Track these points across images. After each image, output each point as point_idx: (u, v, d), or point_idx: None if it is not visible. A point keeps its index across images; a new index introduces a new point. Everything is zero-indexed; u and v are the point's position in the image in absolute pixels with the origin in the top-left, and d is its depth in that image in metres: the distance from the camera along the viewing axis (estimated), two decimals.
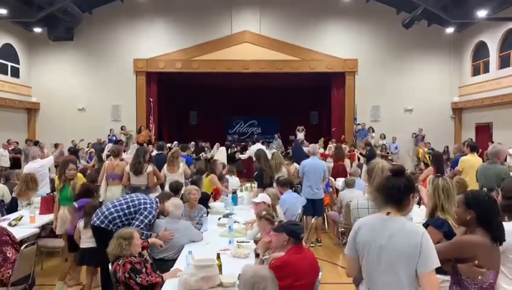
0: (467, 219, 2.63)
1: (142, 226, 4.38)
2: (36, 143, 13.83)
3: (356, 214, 3.29)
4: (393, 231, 2.32)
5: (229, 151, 16.41)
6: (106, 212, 4.48)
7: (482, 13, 14.48)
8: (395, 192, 2.38)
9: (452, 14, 15.38)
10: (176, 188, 5.88)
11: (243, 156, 14.54)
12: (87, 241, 4.77)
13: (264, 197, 4.96)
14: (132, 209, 4.48)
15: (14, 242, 4.30)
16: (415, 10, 15.71)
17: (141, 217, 4.43)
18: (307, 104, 20.71)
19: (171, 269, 3.81)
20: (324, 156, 12.28)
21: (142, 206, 4.50)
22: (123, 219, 4.44)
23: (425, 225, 2.99)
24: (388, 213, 2.38)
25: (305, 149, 10.16)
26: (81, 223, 4.87)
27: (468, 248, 2.53)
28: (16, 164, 13.37)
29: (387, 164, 3.28)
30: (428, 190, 3.26)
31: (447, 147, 16.24)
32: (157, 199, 4.78)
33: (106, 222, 4.43)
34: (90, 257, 4.79)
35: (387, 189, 2.41)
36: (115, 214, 4.45)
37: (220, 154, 13.22)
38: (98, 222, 4.46)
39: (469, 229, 2.65)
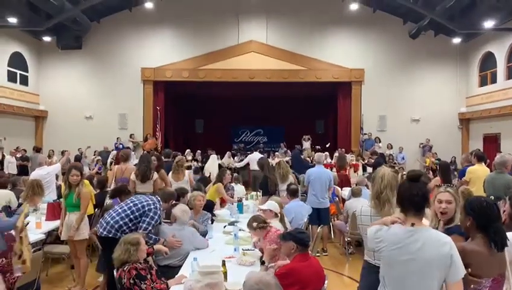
0: (467, 225, 2.63)
1: (150, 228, 4.35)
2: (38, 150, 13.90)
3: (359, 221, 3.27)
4: (422, 243, 2.31)
5: (235, 160, 16.41)
6: (111, 221, 4.40)
7: (489, 24, 14.48)
8: (417, 199, 2.38)
9: (459, 25, 15.39)
10: (180, 194, 5.87)
11: (239, 164, 14.56)
12: None
13: (271, 205, 4.93)
14: (137, 214, 4.42)
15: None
16: (421, 20, 15.75)
17: (147, 219, 4.38)
18: (312, 113, 20.73)
19: (176, 276, 3.79)
20: (326, 166, 12.24)
21: (147, 208, 4.44)
22: (130, 224, 4.39)
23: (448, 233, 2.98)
24: (412, 224, 2.36)
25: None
26: None
27: (461, 256, 2.48)
28: (23, 171, 13.41)
29: (389, 170, 3.27)
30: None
31: (454, 157, 16.14)
32: (158, 198, 4.70)
33: (113, 231, 4.35)
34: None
35: (408, 196, 2.39)
36: (121, 222, 4.38)
37: (210, 162, 12.96)
38: (105, 233, 4.37)
39: (470, 235, 2.64)
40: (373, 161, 12.80)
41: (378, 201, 3.17)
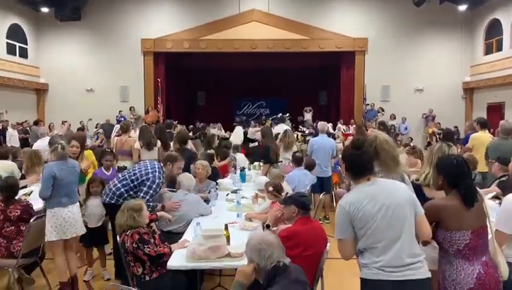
0: (439, 183, 2.70)
1: (147, 197, 4.39)
2: (36, 123, 13.95)
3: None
4: (387, 189, 2.49)
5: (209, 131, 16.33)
6: (113, 189, 4.54)
7: None
8: (367, 164, 2.55)
9: None
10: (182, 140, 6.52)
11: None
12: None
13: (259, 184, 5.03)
14: (136, 183, 4.50)
15: (31, 218, 4.34)
16: None
17: (145, 189, 4.43)
18: (315, 84, 20.54)
19: (179, 241, 3.82)
20: (346, 136, 12.21)
21: (145, 177, 4.48)
22: (130, 192, 4.50)
23: None
24: (368, 179, 2.51)
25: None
26: None
27: (433, 212, 2.59)
28: (25, 144, 13.44)
29: (387, 136, 3.24)
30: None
31: (457, 127, 16.05)
32: (160, 164, 4.77)
33: (115, 197, 4.50)
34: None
35: (358, 163, 2.55)
36: (122, 189, 4.51)
37: (235, 135, 13.06)
38: (107, 199, 4.54)
39: (446, 193, 2.70)
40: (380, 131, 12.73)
41: (394, 162, 3.15)
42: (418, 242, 2.52)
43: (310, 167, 6.90)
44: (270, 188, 4.57)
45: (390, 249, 2.39)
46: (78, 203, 4.61)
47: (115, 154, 6.49)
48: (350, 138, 11.85)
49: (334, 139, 9.87)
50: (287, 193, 3.87)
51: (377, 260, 2.41)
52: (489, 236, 2.69)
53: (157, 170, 4.56)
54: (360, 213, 2.42)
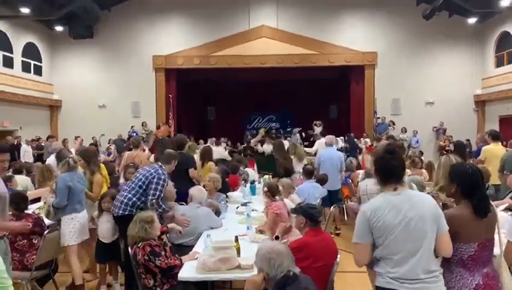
0: (451, 191, 2.65)
1: (158, 193, 4.50)
2: (48, 138, 14.28)
3: (366, 200, 3.26)
4: (412, 201, 2.41)
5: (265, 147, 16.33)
6: (125, 200, 4.53)
7: (505, 2, 14.14)
8: (396, 169, 2.48)
9: (474, 4, 15.07)
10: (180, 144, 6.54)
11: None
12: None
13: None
14: (144, 186, 4.58)
15: (43, 232, 4.40)
16: (435, 1, 15.42)
17: (153, 187, 4.53)
18: (325, 98, 20.57)
19: (190, 252, 3.84)
20: (370, 149, 12.14)
21: (150, 177, 4.60)
22: (142, 199, 4.56)
23: None
24: (395, 189, 2.45)
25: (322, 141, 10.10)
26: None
27: (450, 224, 2.53)
28: (39, 159, 13.64)
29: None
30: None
31: (469, 140, 15.89)
32: (159, 164, 4.85)
33: (129, 208, 4.50)
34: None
35: (387, 167, 2.49)
36: (134, 198, 4.52)
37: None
38: (120, 212, 4.52)
39: (455, 202, 2.68)
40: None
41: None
42: (436, 257, 2.48)
43: (322, 181, 6.89)
44: (265, 189, 4.74)
45: (406, 263, 2.37)
46: (85, 210, 4.93)
47: (137, 167, 6.44)
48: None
49: (342, 151, 9.86)
50: (298, 204, 3.89)
51: (391, 271, 2.40)
52: (497, 248, 2.65)
53: (158, 168, 4.70)
54: (380, 222, 2.40)
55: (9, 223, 3.75)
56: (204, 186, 5.55)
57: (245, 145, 15.41)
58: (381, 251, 2.43)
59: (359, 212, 2.55)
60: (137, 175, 4.75)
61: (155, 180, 4.56)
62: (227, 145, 15.77)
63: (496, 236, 2.62)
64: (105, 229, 4.87)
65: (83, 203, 4.89)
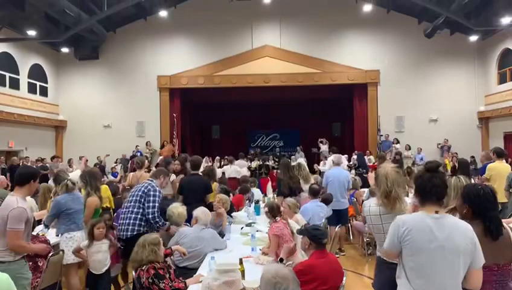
0: (463, 212, 2.64)
1: (156, 206, 4.74)
2: (52, 158, 14.38)
3: (369, 221, 3.21)
4: (450, 230, 2.34)
5: (252, 165, 16.36)
6: (131, 221, 4.73)
7: (506, 20, 14.23)
8: (436, 188, 2.41)
9: (475, 22, 15.16)
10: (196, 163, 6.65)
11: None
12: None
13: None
14: (142, 200, 4.82)
15: (48, 254, 4.39)
16: (437, 19, 15.55)
17: (151, 200, 4.78)
18: (329, 116, 20.64)
19: (194, 275, 3.81)
20: (373, 167, 12.12)
21: (146, 190, 4.85)
22: (140, 211, 4.79)
23: None
24: (436, 212, 2.38)
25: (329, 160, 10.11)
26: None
27: None
28: (44, 180, 13.65)
29: (390, 167, 3.21)
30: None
31: (473, 157, 15.84)
32: (150, 179, 5.09)
33: (137, 227, 4.72)
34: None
35: (428, 186, 2.42)
36: (133, 216, 4.77)
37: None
38: (129, 233, 4.72)
39: (469, 223, 2.60)
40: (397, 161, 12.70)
41: (388, 200, 3.07)
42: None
43: (326, 201, 6.85)
44: (266, 209, 4.75)
45: (427, 288, 2.34)
46: (83, 230, 4.90)
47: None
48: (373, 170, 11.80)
49: (352, 169, 9.84)
50: (303, 226, 3.86)
51: None
52: None
53: (150, 183, 4.98)
54: (410, 239, 2.36)
55: (35, 246, 3.97)
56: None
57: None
58: (406, 266, 2.40)
59: (393, 221, 2.50)
60: (132, 194, 4.96)
61: (151, 192, 4.82)
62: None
63: None
64: (97, 260, 4.53)
65: (79, 223, 4.92)
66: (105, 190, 6.46)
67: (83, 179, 5.48)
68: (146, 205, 4.77)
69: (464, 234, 2.34)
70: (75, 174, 6.63)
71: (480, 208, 2.53)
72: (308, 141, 18.65)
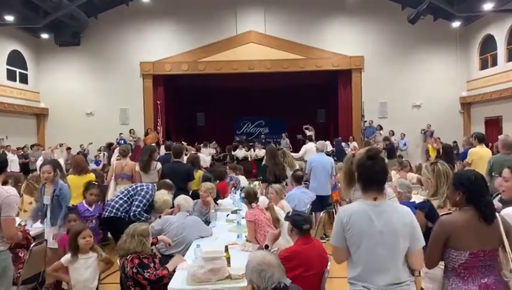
0: (456, 199, 2.64)
1: (141, 205, 4.95)
2: (32, 146, 14.49)
3: None
4: (388, 215, 2.40)
5: (237, 152, 16.38)
6: (113, 203, 5.05)
7: (488, 6, 14.37)
8: (377, 175, 2.44)
9: (458, 8, 15.25)
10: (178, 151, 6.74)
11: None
12: None
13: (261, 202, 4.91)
14: (132, 192, 5.10)
15: (29, 244, 4.33)
16: (420, 5, 15.59)
17: (139, 198, 5.01)
18: (313, 102, 20.67)
19: (173, 258, 3.85)
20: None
21: (139, 188, 5.14)
22: (128, 202, 5.03)
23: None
24: (375, 198, 2.42)
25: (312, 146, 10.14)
26: None
27: (440, 230, 2.55)
28: (25, 168, 13.46)
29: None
30: (429, 176, 3.31)
31: (456, 142, 16.08)
32: (154, 184, 5.33)
33: (114, 210, 4.97)
34: None
35: (368, 173, 2.44)
36: (121, 201, 5.00)
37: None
38: (107, 214, 5.02)
39: (459, 209, 2.65)
40: (385, 146, 12.82)
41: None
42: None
43: (299, 179, 6.86)
44: (243, 194, 4.87)
45: (376, 274, 2.38)
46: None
47: (102, 189, 6.08)
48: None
49: (329, 156, 9.88)
50: (289, 212, 3.87)
51: (361, 279, 2.41)
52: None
53: (150, 187, 5.21)
54: (352, 228, 2.39)
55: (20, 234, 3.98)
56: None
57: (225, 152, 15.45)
58: (354, 258, 2.44)
59: (336, 215, 2.56)
60: (132, 185, 5.36)
61: (143, 193, 5.06)
62: (216, 151, 15.74)
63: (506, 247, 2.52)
64: (83, 279, 3.80)
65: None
66: (92, 178, 6.37)
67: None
68: (135, 197, 5.02)
69: (402, 218, 2.41)
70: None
71: (474, 193, 2.53)
72: (293, 128, 18.67)
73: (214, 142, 16.20)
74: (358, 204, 2.47)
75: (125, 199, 5.05)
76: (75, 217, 4.71)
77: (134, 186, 5.26)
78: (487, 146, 7.44)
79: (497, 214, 2.55)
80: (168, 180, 5.58)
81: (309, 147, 10.23)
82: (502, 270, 2.56)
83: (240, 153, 15.56)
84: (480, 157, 6.59)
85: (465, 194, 2.56)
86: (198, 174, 7.06)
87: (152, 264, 3.60)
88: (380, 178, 2.45)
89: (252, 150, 15.92)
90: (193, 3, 17.59)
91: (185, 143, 15.24)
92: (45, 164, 5.36)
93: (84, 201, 5.25)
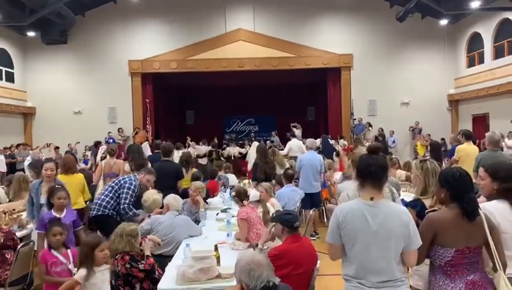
0: (441, 196, 2.67)
1: (128, 197, 4.94)
2: (18, 145, 14.39)
3: None
4: (384, 216, 2.40)
5: (226, 150, 16.40)
6: (99, 201, 5.05)
7: (475, 4, 14.51)
8: (374, 170, 2.43)
9: (446, 6, 15.40)
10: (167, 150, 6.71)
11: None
12: None
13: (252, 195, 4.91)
14: (116, 187, 5.08)
15: (16, 245, 4.28)
16: (408, 3, 15.70)
17: (125, 191, 5.00)
18: (303, 100, 20.72)
19: (149, 236, 4.09)
20: (347, 151, 12.19)
21: (122, 182, 5.12)
22: (115, 198, 5.03)
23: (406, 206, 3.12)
24: (372, 198, 2.43)
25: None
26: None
27: (427, 227, 2.57)
28: (11, 168, 13.29)
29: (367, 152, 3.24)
30: (417, 173, 3.32)
31: (443, 139, 16.24)
32: (135, 174, 5.33)
33: (102, 208, 4.98)
34: None
35: (366, 167, 2.45)
36: (107, 199, 4.98)
37: (252, 149, 12.66)
38: (95, 212, 5.01)
39: (445, 206, 2.67)
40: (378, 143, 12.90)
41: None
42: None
43: (290, 178, 6.90)
44: (233, 193, 4.89)
45: (370, 271, 2.40)
46: None
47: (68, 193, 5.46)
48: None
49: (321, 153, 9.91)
50: (273, 213, 3.89)
51: (356, 276, 2.44)
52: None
53: (132, 178, 5.21)
54: (347, 227, 2.41)
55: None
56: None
57: (210, 149, 15.46)
58: (349, 255, 2.46)
59: (333, 212, 2.56)
60: (113, 181, 5.29)
61: (127, 185, 5.03)
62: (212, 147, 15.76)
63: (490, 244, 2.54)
64: None
65: None
66: (81, 178, 6.28)
67: (33, 168, 5.43)
68: (121, 196, 4.98)
69: (398, 218, 2.41)
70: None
71: (458, 190, 2.55)
72: (283, 126, 18.69)
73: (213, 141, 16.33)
74: (355, 203, 2.49)
75: (111, 195, 5.03)
76: (60, 231, 3.83)
77: (116, 181, 5.23)
78: (474, 143, 7.52)
79: (481, 211, 2.57)
80: (149, 167, 5.66)
81: (293, 144, 10.25)
82: (486, 268, 2.60)
83: (233, 150, 15.48)
84: (467, 154, 6.66)
85: (450, 191, 2.59)
86: (192, 172, 7.08)
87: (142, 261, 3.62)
88: (377, 174, 2.44)
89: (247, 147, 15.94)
90: (182, 1, 17.50)
91: (188, 138, 15.43)
92: (48, 161, 5.46)
93: (52, 210, 4.46)
